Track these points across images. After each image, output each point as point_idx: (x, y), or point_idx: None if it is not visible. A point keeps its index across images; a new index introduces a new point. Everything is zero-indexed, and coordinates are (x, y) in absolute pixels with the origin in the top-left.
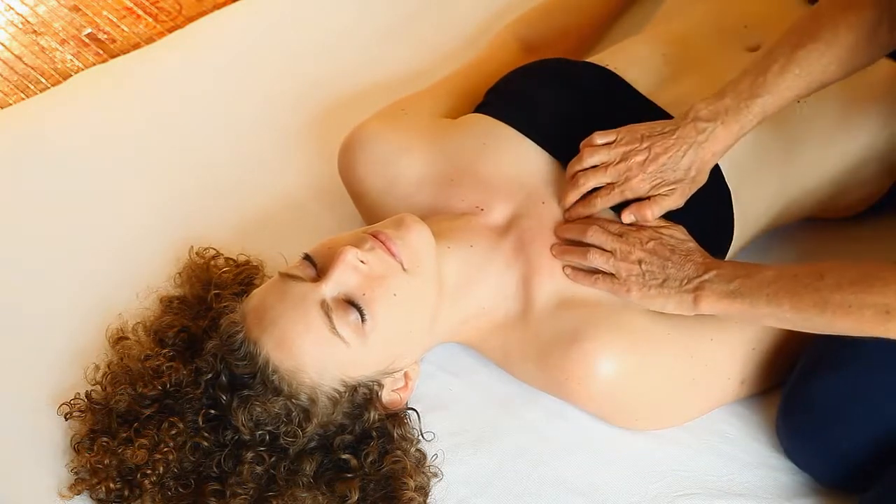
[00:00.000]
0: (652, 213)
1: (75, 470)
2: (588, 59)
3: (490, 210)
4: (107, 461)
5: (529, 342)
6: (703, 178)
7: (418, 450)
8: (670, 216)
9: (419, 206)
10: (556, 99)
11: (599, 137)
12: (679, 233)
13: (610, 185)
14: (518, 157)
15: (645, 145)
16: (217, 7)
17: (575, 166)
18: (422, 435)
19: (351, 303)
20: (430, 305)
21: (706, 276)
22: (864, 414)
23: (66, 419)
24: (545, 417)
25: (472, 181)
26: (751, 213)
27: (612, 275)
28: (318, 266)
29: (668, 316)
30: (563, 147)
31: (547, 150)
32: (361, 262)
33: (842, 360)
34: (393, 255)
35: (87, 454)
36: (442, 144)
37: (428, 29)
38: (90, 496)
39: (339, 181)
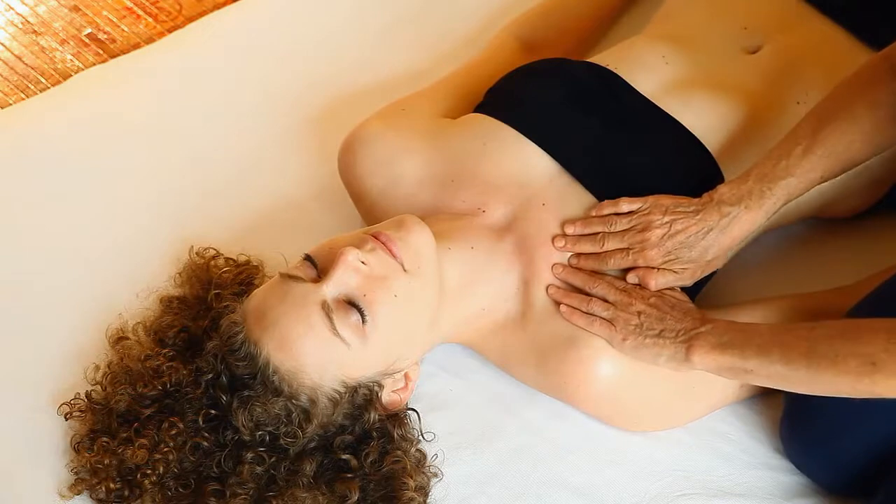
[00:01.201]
0: (656, 282)
1: (75, 470)
2: (588, 59)
3: (490, 211)
4: (107, 461)
5: (529, 344)
6: (718, 263)
7: (418, 450)
8: None
9: (419, 207)
10: (556, 99)
11: (626, 204)
12: (680, 294)
13: (626, 250)
14: (518, 158)
15: (667, 220)
16: (217, 7)
17: (596, 226)
18: (422, 435)
19: (352, 304)
20: (431, 306)
21: (701, 329)
22: (868, 421)
23: (66, 419)
24: (545, 417)
25: (472, 182)
26: None
27: (608, 321)
28: (318, 267)
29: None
30: (562, 147)
31: (547, 151)
32: (362, 262)
33: None
34: (394, 255)
35: (87, 454)
36: (442, 144)
37: (428, 29)
38: (90, 496)
39: (339, 181)
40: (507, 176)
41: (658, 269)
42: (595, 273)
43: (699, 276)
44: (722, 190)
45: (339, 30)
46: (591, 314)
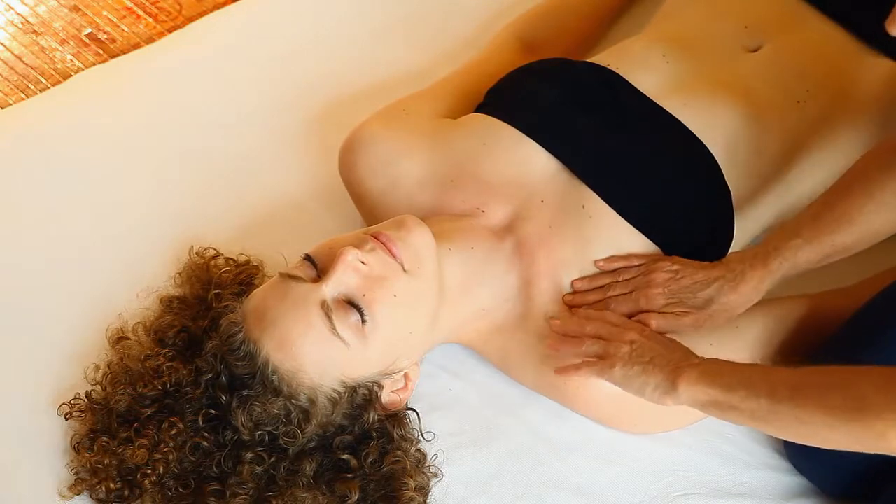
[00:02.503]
0: (656, 322)
1: (75, 470)
2: (589, 59)
3: (490, 212)
4: (107, 461)
5: (529, 345)
6: (721, 320)
7: (418, 450)
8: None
9: (420, 207)
10: (556, 99)
11: (637, 259)
12: (677, 339)
13: (629, 293)
14: (519, 158)
15: (675, 267)
16: (217, 7)
17: (604, 279)
18: (422, 435)
19: (351, 304)
20: (431, 307)
21: (693, 360)
22: None
23: (66, 419)
24: (545, 417)
25: (472, 182)
26: (751, 213)
27: (597, 359)
28: (318, 266)
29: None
30: (564, 146)
31: (548, 150)
32: (362, 262)
33: None
34: (394, 256)
35: (87, 454)
36: (442, 145)
37: (428, 29)
38: (90, 496)
39: (340, 181)
40: (507, 176)
41: (659, 312)
42: (590, 314)
43: (700, 324)
44: (731, 256)
45: (340, 30)
46: (577, 366)
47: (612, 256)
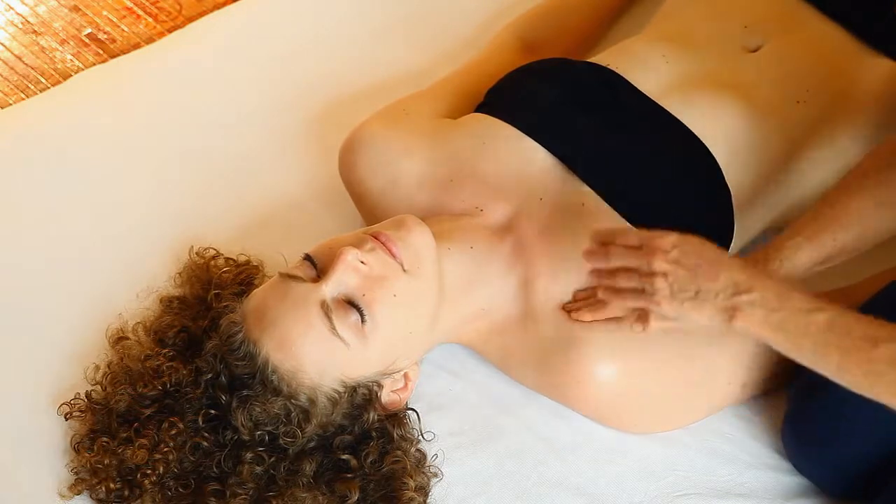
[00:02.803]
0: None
1: (75, 470)
2: (589, 59)
3: (490, 211)
4: (107, 461)
5: (529, 345)
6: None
7: (418, 450)
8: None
9: (419, 207)
10: (556, 98)
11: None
12: (696, 240)
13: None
14: (518, 157)
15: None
16: (217, 7)
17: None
18: (422, 435)
19: (351, 303)
20: (431, 307)
21: (746, 298)
22: (871, 424)
23: (66, 419)
24: (545, 417)
25: (472, 181)
26: (751, 212)
27: (636, 310)
28: (318, 266)
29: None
30: (564, 145)
31: (548, 149)
32: (362, 262)
33: None
34: (393, 255)
35: (87, 454)
36: (442, 145)
37: (428, 29)
38: (90, 496)
39: (340, 181)
40: (507, 175)
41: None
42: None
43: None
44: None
45: (340, 30)
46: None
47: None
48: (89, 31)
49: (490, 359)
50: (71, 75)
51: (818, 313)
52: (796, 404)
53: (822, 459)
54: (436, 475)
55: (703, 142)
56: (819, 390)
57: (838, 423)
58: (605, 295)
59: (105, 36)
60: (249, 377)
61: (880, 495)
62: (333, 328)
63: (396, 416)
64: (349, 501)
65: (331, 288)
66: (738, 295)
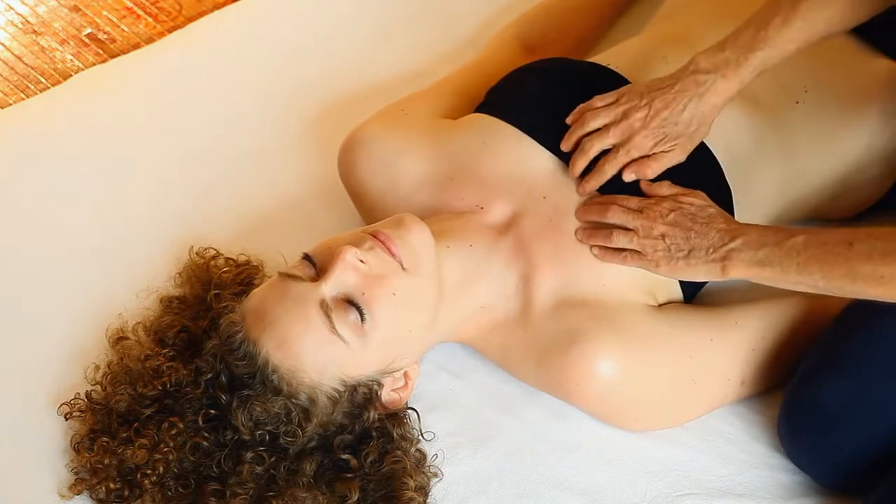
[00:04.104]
0: (652, 169)
1: (75, 470)
2: (588, 59)
3: (490, 209)
4: (107, 461)
5: (529, 342)
6: (704, 132)
7: (418, 450)
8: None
9: (419, 206)
10: (556, 98)
11: (599, 100)
12: (699, 199)
13: (615, 148)
14: (518, 156)
15: (645, 101)
16: (217, 7)
17: (577, 132)
18: (422, 435)
19: (350, 302)
20: (430, 305)
21: (732, 245)
22: (867, 417)
23: (66, 419)
24: (545, 417)
25: (472, 180)
26: (751, 212)
27: (638, 252)
28: (317, 266)
29: (668, 316)
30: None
31: (548, 149)
32: (361, 261)
33: (845, 362)
34: (393, 254)
35: (87, 454)
36: (442, 144)
37: (428, 29)
38: (90, 496)
39: (339, 181)
40: (507, 174)
41: (651, 156)
42: (606, 201)
43: (690, 148)
44: (698, 59)
45: (339, 30)
46: (621, 249)
47: (577, 108)
48: (89, 31)
49: (490, 357)
50: (71, 75)
51: (795, 237)
52: (791, 396)
53: (817, 451)
54: (436, 475)
55: (703, 141)
56: (813, 382)
57: (832, 415)
58: (600, 253)
59: (105, 36)
60: (249, 377)
61: (877, 488)
62: (333, 327)
63: (396, 416)
64: (349, 501)
65: (330, 287)
66: (724, 245)
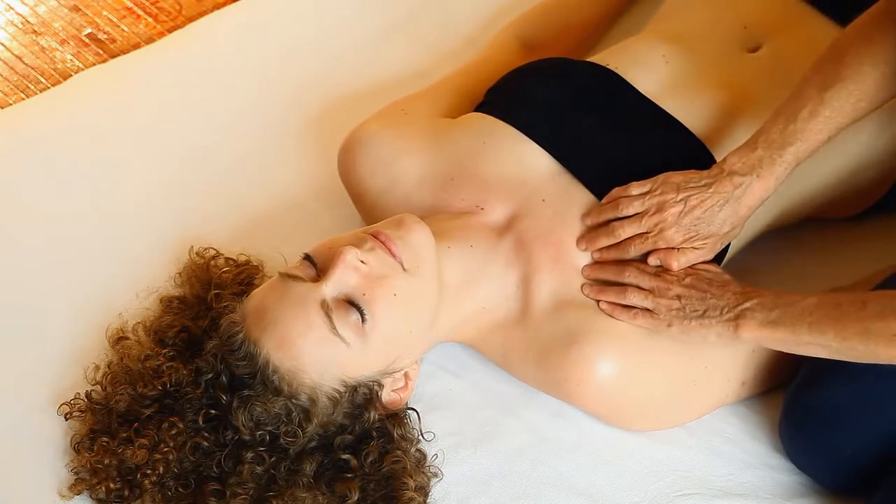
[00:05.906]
0: (678, 263)
1: (75, 470)
2: (588, 59)
3: (490, 209)
4: (107, 461)
5: (529, 342)
6: (736, 233)
7: (418, 450)
8: None
9: (419, 206)
10: (556, 98)
11: (636, 188)
12: (714, 266)
13: (644, 234)
14: (518, 157)
15: (681, 197)
16: (217, 7)
17: (608, 213)
18: (422, 435)
19: (351, 303)
20: (431, 305)
21: (746, 305)
22: (868, 419)
23: (66, 419)
24: (545, 417)
25: (471, 180)
26: None
27: (650, 311)
28: (318, 266)
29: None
30: (563, 146)
31: (547, 150)
32: (361, 262)
33: (846, 365)
34: (393, 255)
35: (87, 454)
36: (442, 144)
37: (428, 29)
38: (90, 496)
39: (339, 181)
40: (506, 174)
41: (678, 248)
42: (622, 262)
43: (719, 248)
44: (731, 160)
45: (339, 30)
46: (631, 306)
47: (612, 191)
48: (89, 31)
49: (490, 357)
50: (71, 75)
51: (808, 299)
52: (793, 397)
53: (818, 453)
54: (436, 475)
55: (703, 142)
56: (815, 384)
57: (834, 417)
58: (609, 308)
59: (105, 36)
60: (250, 377)
61: (878, 489)
62: (334, 328)
63: (397, 416)
64: (349, 501)
65: (331, 287)
66: (739, 305)
